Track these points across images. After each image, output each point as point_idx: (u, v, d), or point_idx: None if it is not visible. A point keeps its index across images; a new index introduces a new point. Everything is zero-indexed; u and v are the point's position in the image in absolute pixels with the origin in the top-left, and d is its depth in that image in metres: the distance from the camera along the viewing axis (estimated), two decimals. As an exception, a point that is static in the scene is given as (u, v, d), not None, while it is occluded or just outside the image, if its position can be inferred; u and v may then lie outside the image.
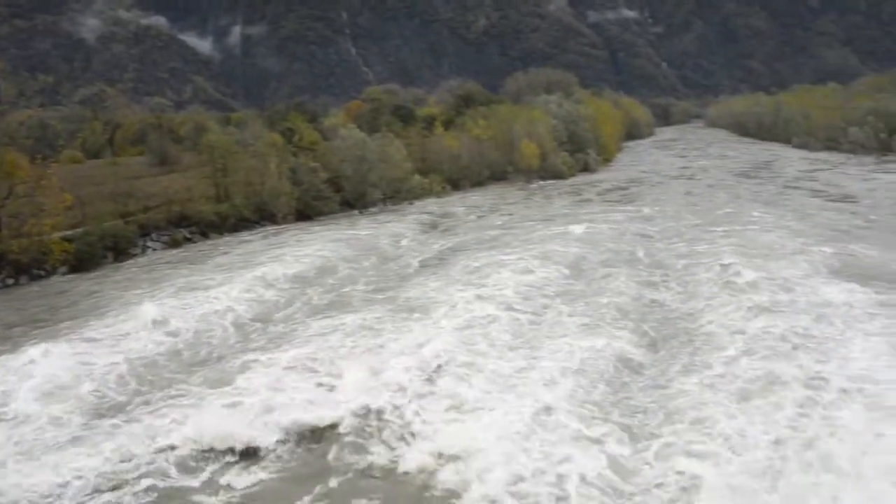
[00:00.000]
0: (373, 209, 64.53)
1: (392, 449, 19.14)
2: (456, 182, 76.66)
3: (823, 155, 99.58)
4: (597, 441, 18.55)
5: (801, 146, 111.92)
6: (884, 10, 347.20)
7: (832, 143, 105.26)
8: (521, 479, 16.92)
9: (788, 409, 19.10)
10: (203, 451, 19.17)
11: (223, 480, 18.15)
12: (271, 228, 56.90)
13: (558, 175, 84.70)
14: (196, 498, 17.47)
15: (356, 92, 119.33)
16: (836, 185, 69.18)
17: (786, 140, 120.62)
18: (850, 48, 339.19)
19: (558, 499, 16.29)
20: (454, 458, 18.10)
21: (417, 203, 67.33)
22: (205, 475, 18.35)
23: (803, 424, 18.28)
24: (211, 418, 20.32)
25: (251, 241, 51.12)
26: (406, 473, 18.04)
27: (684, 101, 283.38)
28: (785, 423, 18.40)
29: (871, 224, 47.24)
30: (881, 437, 17.02)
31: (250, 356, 25.53)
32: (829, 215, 51.81)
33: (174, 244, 50.96)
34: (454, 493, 16.92)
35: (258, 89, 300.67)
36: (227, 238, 53.57)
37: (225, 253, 46.66)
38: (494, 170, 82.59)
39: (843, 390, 19.70)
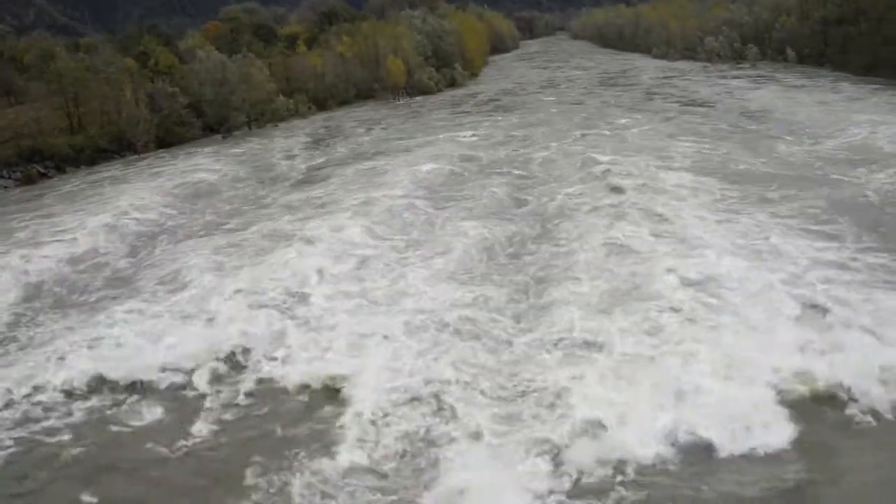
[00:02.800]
0: (237, 133, 62.84)
1: (273, 370, 19.45)
2: (322, 102, 75.36)
3: (681, 64, 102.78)
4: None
5: (661, 56, 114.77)
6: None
7: (690, 52, 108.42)
8: (400, 380, 17.86)
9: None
10: (83, 389, 19.04)
11: (106, 416, 18.04)
12: (132, 158, 54.83)
13: (426, 91, 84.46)
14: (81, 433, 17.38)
15: (214, 13, 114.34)
16: (693, 91, 72.56)
17: (646, 50, 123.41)
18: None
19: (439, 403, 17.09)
20: (335, 375, 18.58)
21: (283, 125, 65.99)
22: (86, 413, 18.24)
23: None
24: (85, 359, 20.04)
25: (104, 174, 49.35)
26: (288, 393, 18.41)
27: (548, 13, 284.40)
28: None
29: (719, 125, 51.45)
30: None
31: (123, 290, 25.36)
32: (686, 118, 55.62)
33: (28, 181, 48.48)
34: (337, 409, 17.35)
35: (108, 12, 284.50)
36: (86, 171, 51.47)
37: (78, 187, 45.15)
38: (361, 88, 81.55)
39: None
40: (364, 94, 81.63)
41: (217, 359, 20.04)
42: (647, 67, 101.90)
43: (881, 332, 18.48)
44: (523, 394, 17.37)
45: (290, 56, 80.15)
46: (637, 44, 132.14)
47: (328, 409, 17.53)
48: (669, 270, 23.34)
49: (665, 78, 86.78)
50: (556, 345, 19.48)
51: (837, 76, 74.85)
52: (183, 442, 16.80)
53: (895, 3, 72.05)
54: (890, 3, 72.92)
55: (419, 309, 22.12)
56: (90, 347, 20.98)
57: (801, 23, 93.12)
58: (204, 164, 48.84)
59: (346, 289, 24.38)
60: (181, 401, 18.61)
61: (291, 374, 19.14)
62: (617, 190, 33.74)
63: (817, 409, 16.27)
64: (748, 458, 14.86)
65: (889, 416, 15.80)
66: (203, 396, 18.64)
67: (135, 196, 39.24)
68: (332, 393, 18.16)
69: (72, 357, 20.39)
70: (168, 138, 58.96)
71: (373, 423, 16.49)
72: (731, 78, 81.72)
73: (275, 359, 20.02)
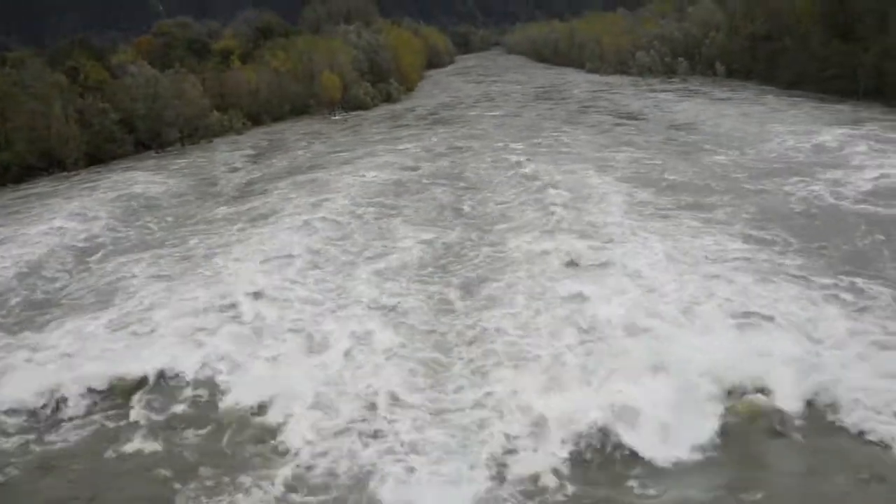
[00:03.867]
0: (170, 149, 62.07)
1: (205, 389, 19.30)
2: (256, 117, 74.81)
3: (614, 78, 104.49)
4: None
5: (594, 70, 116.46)
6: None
7: (622, 66, 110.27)
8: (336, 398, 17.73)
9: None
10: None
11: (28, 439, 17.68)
12: (61, 175, 53.89)
13: (361, 106, 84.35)
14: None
15: (146, 27, 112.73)
16: (625, 104, 74.15)
17: (580, 65, 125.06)
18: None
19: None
20: (271, 395, 18.33)
21: (217, 140, 65.44)
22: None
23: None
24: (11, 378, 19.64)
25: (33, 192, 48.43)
26: (221, 412, 18.17)
27: (483, 28, 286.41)
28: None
29: (649, 136, 53.15)
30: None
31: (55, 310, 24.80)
32: (619, 130, 57.42)
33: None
34: (271, 430, 17.20)
35: (37, 26, 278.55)
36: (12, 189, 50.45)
37: None
38: (296, 103, 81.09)
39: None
40: (299, 109, 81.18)
41: (147, 377, 19.72)
42: (580, 81, 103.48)
43: (810, 334, 19.15)
44: (461, 407, 17.50)
45: (225, 71, 79.35)
46: (571, 58, 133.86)
47: (262, 429, 17.36)
48: (603, 276, 24.12)
49: (598, 91, 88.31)
50: (491, 354, 19.77)
51: (764, 90, 77.19)
52: (105, 466, 16.46)
53: (818, 21, 74.47)
54: (813, 21, 75.38)
55: (359, 323, 22.13)
56: (12, 368, 20.54)
57: (730, 38, 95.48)
58: (140, 179, 48.47)
59: (285, 300, 24.34)
60: (105, 422, 18.26)
61: (226, 393, 18.92)
62: (551, 196, 34.96)
63: (744, 414, 16.59)
64: (671, 464, 15.16)
65: (811, 419, 16.22)
66: (129, 417, 18.34)
67: (66, 211, 38.65)
68: (265, 412, 17.96)
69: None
70: (99, 155, 57.92)
71: (309, 443, 16.40)
72: (662, 91, 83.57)
73: (207, 377, 19.75)
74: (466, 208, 35.64)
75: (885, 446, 15.14)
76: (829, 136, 45.92)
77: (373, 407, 17.56)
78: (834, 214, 30.84)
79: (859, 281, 23.00)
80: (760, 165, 40.38)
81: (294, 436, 16.71)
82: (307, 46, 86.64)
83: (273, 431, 17.13)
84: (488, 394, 17.76)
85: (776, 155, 42.76)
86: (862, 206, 31.57)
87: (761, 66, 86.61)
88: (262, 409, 17.98)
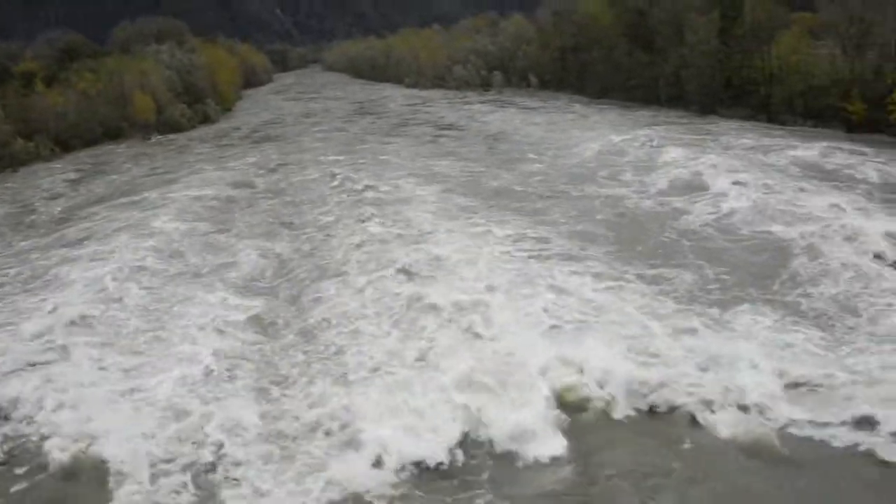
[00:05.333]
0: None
1: (27, 434, 18.14)
2: (66, 142, 71.22)
3: (433, 92, 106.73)
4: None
5: (413, 85, 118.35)
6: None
7: (440, 81, 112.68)
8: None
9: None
10: None
11: None
12: None
13: (177, 128, 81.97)
14: None
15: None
16: (442, 117, 76.40)
17: (399, 80, 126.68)
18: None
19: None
20: (93, 434, 17.42)
21: (24, 170, 61.73)
22: None
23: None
24: None
25: None
26: (44, 457, 17.10)
27: (301, 46, 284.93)
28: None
29: (465, 146, 55.52)
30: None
31: None
32: (437, 142, 59.50)
33: None
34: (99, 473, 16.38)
35: None
36: None
37: None
38: (109, 126, 77.75)
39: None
40: (113, 133, 77.83)
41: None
42: (399, 96, 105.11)
43: (622, 324, 20.32)
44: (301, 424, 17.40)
45: (28, 95, 75.15)
46: (389, 74, 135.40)
47: (90, 473, 16.48)
48: (428, 279, 24.88)
49: (417, 105, 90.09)
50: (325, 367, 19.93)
51: (574, 100, 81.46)
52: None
53: (622, 34, 78.91)
54: (618, 34, 79.80)
55: (189, 350, 21.53)
56: None
57: (542, 51, 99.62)
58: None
59: (106, 337, 23.23)
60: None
61: (48, 437, 17.74)
62: (375, 207, 36.01)
63: (577, 410, 17.26)
64: (519, 464, 15.67)
65: (640, 412, 17.12)
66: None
67: None
68: (93, 456, 16.93)
69: None
70: None
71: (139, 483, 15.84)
72: (478, 104, 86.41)
73: (29, 419, 18.61)
74: (296, 221, 36.00)
75: (695, 424, 16.44)
76: (631, 139, 49.73)
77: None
78: (635, 211, 33.53)
79: (663, 271, 25.22)
80: (571, 170, 42.97)
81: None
82: (117, 67, 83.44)
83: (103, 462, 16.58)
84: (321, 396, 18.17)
85: (583, 159, 45.73)
86: (660, 198, 34.91)
87: (572, 77, 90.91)
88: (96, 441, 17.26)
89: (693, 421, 16.65)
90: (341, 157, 52.38)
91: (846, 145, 44.24)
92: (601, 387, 17.67)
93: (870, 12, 52.98)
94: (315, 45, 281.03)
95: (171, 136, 78.28)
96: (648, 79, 73.73)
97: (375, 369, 19.29)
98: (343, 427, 16.76)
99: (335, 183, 43.06)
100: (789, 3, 70.76)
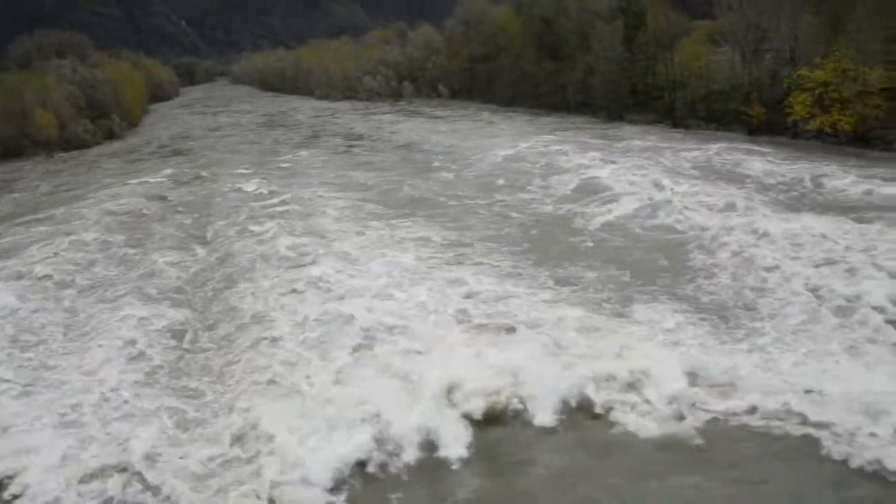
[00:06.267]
0: None
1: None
2: (-38, 162, 68.76)
3: (343, 104, 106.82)
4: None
5: (324, 97, 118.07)
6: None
7: (351, 92, 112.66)
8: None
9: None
10: None
11: None
12: None
13: (81, 144, 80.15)
14: None
15: None
16: (353, 128, 76.90)
17: (309, 92, 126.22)
18: (358, 4, 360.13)
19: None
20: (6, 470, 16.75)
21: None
22: None
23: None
24: None
25: None
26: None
27: (208, 59, 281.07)
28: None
29: (377, 156, 55.91)
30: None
31: None
32: (349, 152, 59.73)
33: None
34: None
35: None
36: None
37: None
38: (8, 144, 75.46)
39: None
40: (13, 151, 75.45)
41: None
42: (310, 108, 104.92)
43: (554, 339, 20.41)
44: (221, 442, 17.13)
45: (-83, 114, 72.32)
46: (299, 86, 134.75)
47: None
48: (342, 297, 24.62)
49: (328, 117, 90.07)
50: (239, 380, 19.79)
51: (483, 108, 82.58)
52: None
53: (530, 42, 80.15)
54: (525, 42, 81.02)
55: (99, 366, 21.14)
56: None
57: (451, 61, 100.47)
58: None
59: (13, 353, 22.70)
60: None
61: None
62: (286, 218, 36.24)
63: (492, 413, 17.36)
64: (436, 471, 15.73)
65: (555, 411, 17.27)
66: None
67: None
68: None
69: None
70: None
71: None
72: (389, 114, 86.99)
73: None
74: (208, 233, 35.84)
75: (609, 421, 16.88)
76: (537, 145, 50.98)
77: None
78: (541, 215, 34.46)
79: (571, 271, 26.10)
80: (479, 178, 43.84)
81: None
82: (16, 83, 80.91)
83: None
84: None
85: (491, 166, 46.62)
86: (565, 202, 35.99)
87: (481, 86, 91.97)
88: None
89: (607, 419, 17.04)
90: (252, 170, 52.28)
91: (744, 146, 46.40)
92: (516, 389, 17.84)
93: (765, 19, 55.01)
94: (223, 58, 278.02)
95: (76, 153, 76.31)
96: (556, 86, 75.16)
97: (288, 380, 19.23)
98: (258, 439, 16.61)
99: (247, 195, 43.05)
100: (689, 11, 73.26)
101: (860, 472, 14.54)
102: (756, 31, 55.77)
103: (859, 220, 28.57)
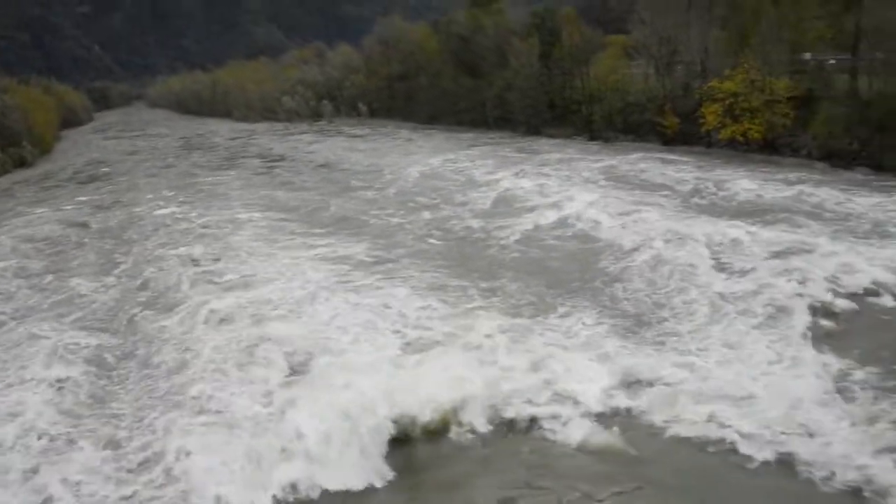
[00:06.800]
0: None
1: None
2: None
3: (262, 125, 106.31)
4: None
5: (242, 119, 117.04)
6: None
7: (270, 113, 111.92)
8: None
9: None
10: None
11: None
12: None
13: (-11, 174, 77.31)
14: None
15: None
16: (272, 149, 76.81)
17: (227, 114, 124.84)
18: (275, 24, 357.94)
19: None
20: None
21: None
22: None
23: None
24: None
25: None
26: None
27: (122, 83, 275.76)
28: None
29: (298, 177, 56.33)
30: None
31: None
32: (269, 174, 59.76)
33: None
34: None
35: None
36: None
37: None
38: (-88, 176, 72.58)
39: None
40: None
41: None
42: (228, 131, 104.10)
43: (479, 352, 20.59)
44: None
45: None
46: (217, 109, 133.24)
47: None
48: (262, 321, 24.40)
49: (247, 139, 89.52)
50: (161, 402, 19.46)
51: (403, 126, 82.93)
52: None
53: (448, 60, 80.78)
54: (444, 60, 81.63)
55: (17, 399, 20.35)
56: None
57: (370, 79, 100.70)
58: None
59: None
60: None
61: None
62: (205, 241, 35.89)
63: (424, 435, 17.34)
64: (361, 497, 15.60)
65: (488, 432, 17.33)
66: None
67: None
68: None
69: None
70: None
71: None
72: (308, 134, 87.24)
73: None
74: (128, 257, 35.11)
75: (541, 432, 17.03)
76: (455, 161, 52.49)
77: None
78: (461, 230, 35.05)
79: (494, 284, 26.53)
80: (399, 195, 44.35)
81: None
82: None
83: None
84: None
85: (410, 183, 47.36)
86: (483, 216, 36.82)
87: (400, 104, 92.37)
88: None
89: (535, 430, 17.22)
90: (172, 193, 51.79)
91: (658, 156, 47.90)
92: (442, 405, 17.81)
93: (676, 33, 56.57)
94: (138, 82, 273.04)
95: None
96: (475, 103, 75.99)
97: (211, 408, 18.76)
98: (182, 475, 16.14)
99: (166, 218, 42.59)
100: (603, 26, 74.90)
101: (790, 476, 14.97)
102: (668, 44, 57.46)
103: (767, 224, 29.78)
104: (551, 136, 64.30)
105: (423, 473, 16.20)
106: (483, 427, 17.32)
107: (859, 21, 47.38)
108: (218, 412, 18.49)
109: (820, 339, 20.25)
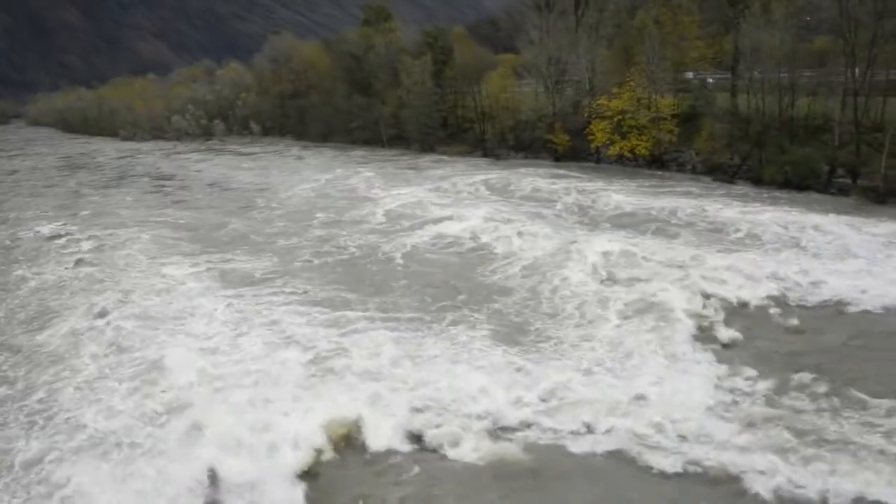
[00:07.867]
0: None
1: None
2: None
3: (150, 144, 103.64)
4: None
5: (129, 138, 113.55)
6: (190, 6, 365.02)
7: (159, 132, 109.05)
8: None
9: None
10: None
11: None
12: None
13: None
14: None
15: None
16: (160, 168, 74.99)
17: (114, 133, 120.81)
18: (162, 41, 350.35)
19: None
20: None
21: None
22: None
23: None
24: None
25: None
26: None
27: (1, 100, 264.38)
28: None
29: (190, 195, 55.12)
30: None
31: None
32: (162, 192, 58.47)
33: None
34: None
35: None
36: None
37: None
38: None
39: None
40: None
41: None
42: (114, 150, 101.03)
43: (374, 371, 20.45)
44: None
45: None
46: (103, 127, 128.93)
47: None
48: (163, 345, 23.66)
49: (134, 158, 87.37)
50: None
51: (295, 144, 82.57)
52: None
53: (340, 78, 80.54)
54: (336, 78, 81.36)
55: None
56: None
57: (261, 98, 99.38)
58: None
59: None
60: None
61: None
62: (91, 264, 34.54)
63: (330, 454, 17.13)
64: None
65: (390, 453, 17.13)
66: None
67: None
68: None
69: None
70: None
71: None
72: (198, 153, 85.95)
73: None
74: (10, 281, 33.39)
75: (445, 452, 16.89)
76: (344, 179, 53.06)
77: None
78: (350, 246, 34.82)
79: (385, 300, 26.55)
80: (288, 213, 43.99)
81: None
82: None
83: None
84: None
85: (301, 201, 47.33)
86: (372, 232, 37.03)
87: (293, 122, 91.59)
88: None
89: (436, 447, 17.13)
90: (55, 213, 49.97)
91: (547, 171, 49.11)
92: (341, 429, 17.61)
93: (564, 53, 57.85)
94: (17, 99, 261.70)
95: None
96: (369, 121, 75.99)
97: (105, 436, 18.11)
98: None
99: (50, 238, 41.22)
100: (494, 45, 76.04)
101: (686, 480, 15.33)
102: (557, 63, 58.54)
103: (650, 234, 30.93)
104: (444, 154, 64.87)
105: (324, 499, 15.83)
106: (380, 447, 17.16)
107: (737, 42, 49.48)
108: (104, 436, 17.96)
109: (706, 345, 20.92)
